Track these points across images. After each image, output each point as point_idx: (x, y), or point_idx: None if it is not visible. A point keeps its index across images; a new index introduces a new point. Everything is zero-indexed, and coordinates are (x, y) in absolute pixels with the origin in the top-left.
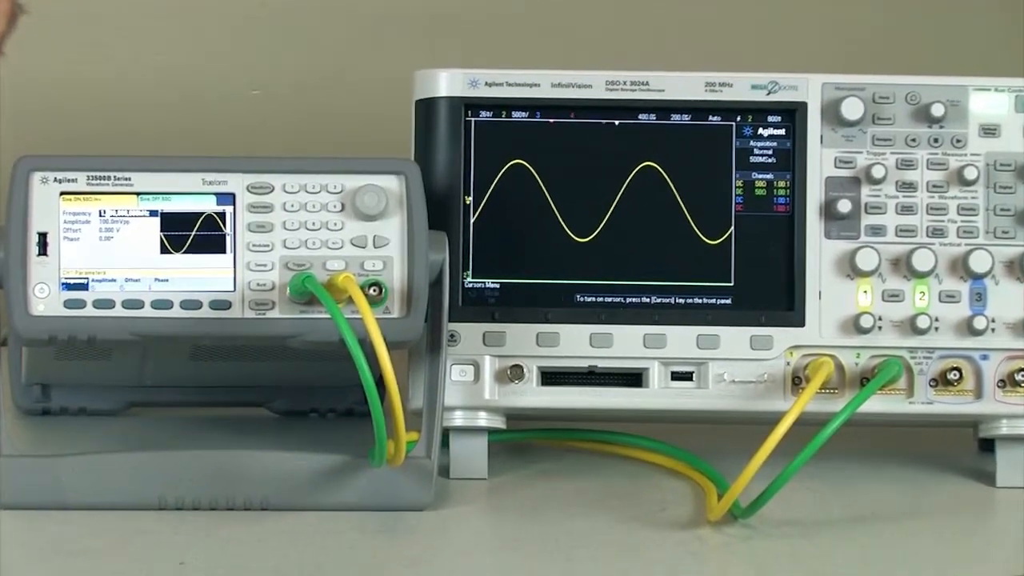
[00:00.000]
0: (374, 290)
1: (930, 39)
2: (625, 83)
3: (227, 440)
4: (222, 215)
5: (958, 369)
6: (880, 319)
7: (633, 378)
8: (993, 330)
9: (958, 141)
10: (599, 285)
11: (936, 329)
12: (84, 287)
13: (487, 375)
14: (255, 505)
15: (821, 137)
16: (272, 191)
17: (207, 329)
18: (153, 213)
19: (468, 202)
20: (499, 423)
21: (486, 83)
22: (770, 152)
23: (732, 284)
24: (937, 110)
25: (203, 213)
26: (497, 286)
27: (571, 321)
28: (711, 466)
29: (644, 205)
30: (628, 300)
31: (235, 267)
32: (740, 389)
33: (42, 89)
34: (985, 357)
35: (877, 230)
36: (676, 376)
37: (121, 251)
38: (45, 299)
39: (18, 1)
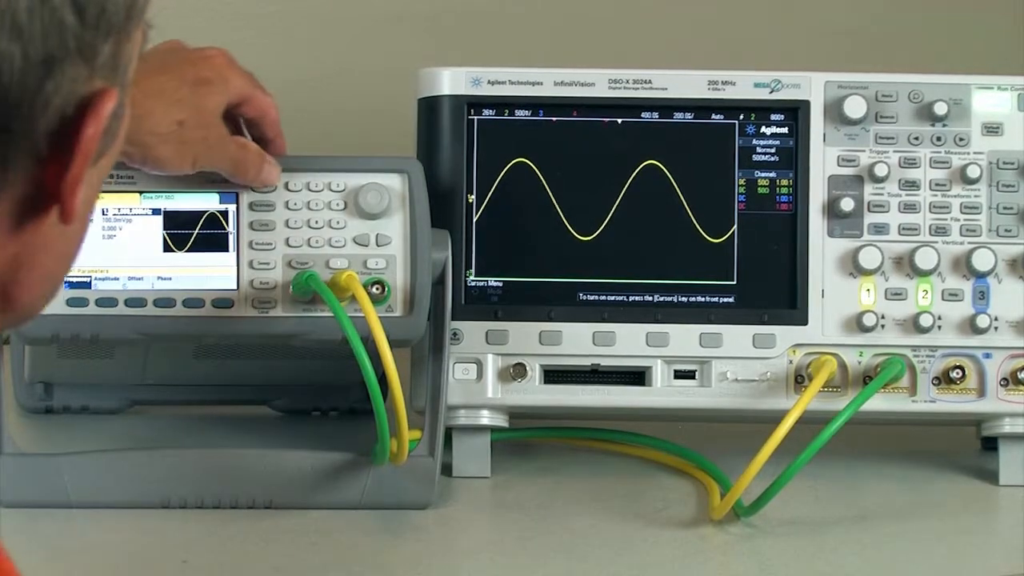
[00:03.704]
0: (377, 288)
1: (933, 37)
2: (628, 81)
3: (230, 439)
4: (225, 213)
5: (961, 368)
6: (883, 317)
7: (636, 376)
8: (996, 328)
9: (961, 139)
10: (602, 283)
11: (939, 327)
12: (87, 285)
13: (490, 373)
14: (258, 504)
15: (824, 135)
16: (274, 189)
17: (210, 328)
18: (156, 211)
19: (471, 200)
20: (502, 421)
21: (489, 81)
22: (773, 150)
23: (735, 282)
24: (940, 108)
25: (206, 211)
26: (500, 284)
27: (574, 319)
28: (714, 464)
29: (647, 203)
30: (631, 298)
31: (238, 265)
32: (743, 388)
33: None
34: (988, 355)
35: (880, 228)
36: (679, 375)
37: (124, 249)
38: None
39: None
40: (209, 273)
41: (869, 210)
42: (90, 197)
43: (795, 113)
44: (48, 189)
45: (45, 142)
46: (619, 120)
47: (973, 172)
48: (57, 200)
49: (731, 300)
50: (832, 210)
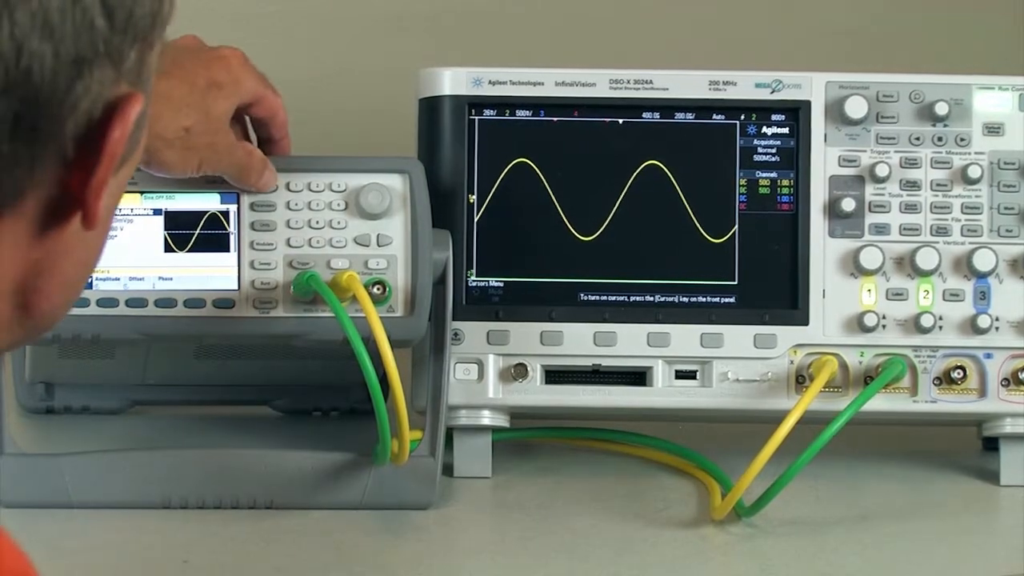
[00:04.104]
0: (378, 289)
1: (933, 37)
2: (629, 82)
3: (231, 439)
4: (226, 214)
5: (962, 368)
6: (884, 318)
7: (637, 377)
8: (997, 329)
9: (962, 140)
10: (603, 284)
11: (940, 328)
12: (88, 286)
13: (491, 374)
14: (258, 504)
15: (825, 136)
16: (275, 189)
17: (211, 328)
18: (157, 212)
19: (472, 200)
20: (503, 422)
21: (490, 82)
22: (774, 151)
23: (736, 283)
24: (941, 109)
25: (207, 212)
26: (501, 285)
27: (575, 320)
28: (715, 465)
29: (648, 204)
30: (632, 299)
31: (239, 266)
32: (744, 388)
33: None
34: (989, 356)
35: (881, 229)
36: (680, 375)
37: (125, 249)
38: None
39: None
40: (210, 273)
41: (870, 210)
42: (111, 206)
43: (796, 113)
44: (72, 193)
45: (72, 145)
46: (620, 120)
47: (974, 172)
48: (81, 205)
49: (732, 300)
50: (833, 210)
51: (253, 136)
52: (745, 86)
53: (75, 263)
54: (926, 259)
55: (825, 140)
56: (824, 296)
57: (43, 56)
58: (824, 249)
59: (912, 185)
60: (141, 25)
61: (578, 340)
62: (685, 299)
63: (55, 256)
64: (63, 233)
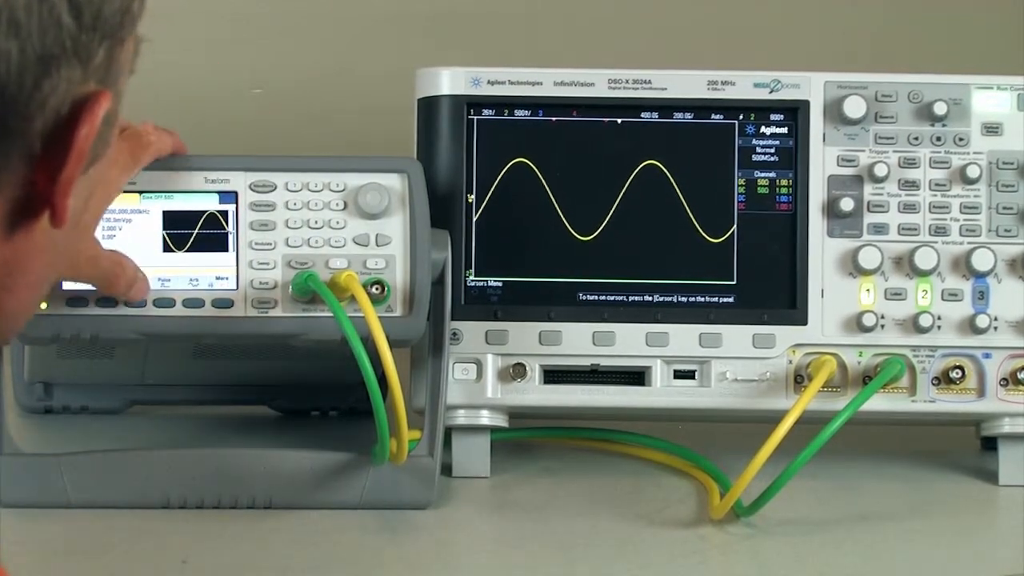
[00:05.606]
0: (376, 288)
1: (932, 37)
2: (627, 81)
3: (229, 439)
4: (224, 214)
5: (960, 368)
6: (882, 317)
7: (635, 376)
8: (995, 328)
9: (960, 139)
10: (601, 283)
11: (938, 328)
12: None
13: (489, 373)
14: (257, 503)
15: (824, 135)
16: (274, 189)
17: (210, 328)
18: (155, 212)
19: (470, 200)
20: (501, 421)
21: (488, 81)
22: (772, 150)
23: (734, 282)
24: (939, 108)
25: (205, 211)
26: (500, 284)
27: (573, 319)
28: (713, 464)
29: (646, 203)
30: (630, 298)
31: (238, 265)
32: (742, 388)
33: None
34: (987, 356)
35: (879, 228)
36: (678, 375)
37: (124, 249)
38: (48, 297)
39: None
40: (209, 273)
41: (869, 210)
42: (78, 207)
43: (795, 113)
44: (40, 191)
45: (39, 142)
46: (619, 120)
47: (973, 172)
48: (49, 203)
49: (731, 300)
50: (832, 210)
51: None
52: (744, 86)
53: (44, 263)
54: (925, 259)
55: (824, 140)
56: (823, 296)
57: (9, 54)
58: (823, 249)
59: (911, 185)
60: (111, 23)
61: (577, 340)
62: (684, 299)
63: (24, 255)
64: (32, 232)
